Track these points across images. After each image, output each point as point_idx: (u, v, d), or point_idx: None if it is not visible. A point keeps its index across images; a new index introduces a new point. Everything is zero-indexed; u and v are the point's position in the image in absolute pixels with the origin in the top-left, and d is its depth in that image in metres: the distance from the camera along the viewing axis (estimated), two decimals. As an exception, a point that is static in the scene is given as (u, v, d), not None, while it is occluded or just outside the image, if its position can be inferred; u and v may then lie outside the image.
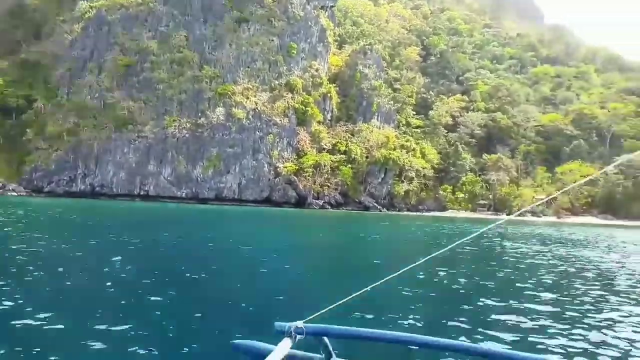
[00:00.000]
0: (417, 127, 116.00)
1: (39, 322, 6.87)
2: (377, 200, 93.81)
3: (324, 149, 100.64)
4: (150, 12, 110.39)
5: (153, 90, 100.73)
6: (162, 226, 31.39)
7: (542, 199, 79.41)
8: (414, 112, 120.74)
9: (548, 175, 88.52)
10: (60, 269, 11.50)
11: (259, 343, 2.21)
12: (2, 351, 5.62)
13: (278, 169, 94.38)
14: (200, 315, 7.90)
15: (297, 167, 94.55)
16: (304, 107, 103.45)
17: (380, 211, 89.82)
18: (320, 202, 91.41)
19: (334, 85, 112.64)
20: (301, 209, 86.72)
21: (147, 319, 7.50)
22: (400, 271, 2.54)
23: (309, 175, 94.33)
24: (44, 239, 17.88)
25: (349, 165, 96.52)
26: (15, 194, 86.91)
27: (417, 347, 2.07)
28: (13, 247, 14.97)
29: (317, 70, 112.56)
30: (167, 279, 11.33)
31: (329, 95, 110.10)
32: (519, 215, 79.69)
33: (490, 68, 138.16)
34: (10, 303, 7.87)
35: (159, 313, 7.84)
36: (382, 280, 2.49)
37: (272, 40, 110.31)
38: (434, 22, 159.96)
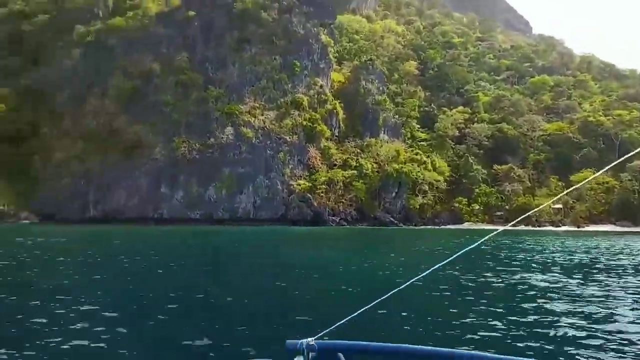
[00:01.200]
0: (424, 140, 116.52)
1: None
2: (392, 215, 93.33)
3: (334, 165, 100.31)
4: (150, 35, 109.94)
5: (159, 113, 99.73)
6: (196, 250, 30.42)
7: (558, 207, 79.84)
8: (419, 126, 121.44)
9: (562, 184, 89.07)
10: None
11: None
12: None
13: (291, 187, 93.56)
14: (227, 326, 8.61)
15: (310, 185, 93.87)
16: (311, 124, 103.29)
17: (397, 226, 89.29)
18: (337, 219, 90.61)
19: (338, 101, 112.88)
20: (317, 226, 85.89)
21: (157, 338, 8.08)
22: (409, 282, 2.48)
23: (322, 192, 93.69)
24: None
25: (361, 181, 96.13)
26: (27, 221, 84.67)
27: None
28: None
29: (321, 87, 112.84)
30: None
31: (334, 111, 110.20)
32: (538, 225, 79.96)
33: (488, 79, 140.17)
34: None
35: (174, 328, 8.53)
36: (389, 294, 2.44)
37: (275, 58, 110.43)
38: (429, 37, 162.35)
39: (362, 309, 2.32)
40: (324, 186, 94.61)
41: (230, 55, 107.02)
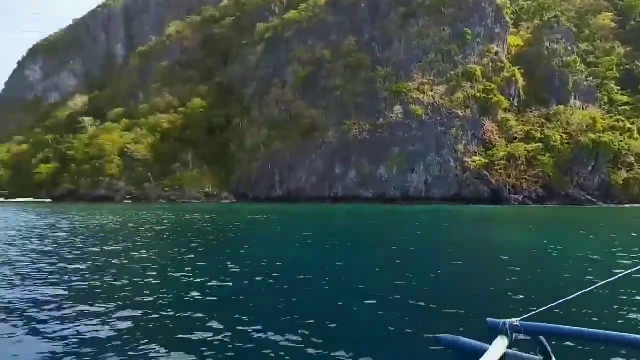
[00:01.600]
0: (625, 104, 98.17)
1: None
2: (588, 192, 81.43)
3: (515, 138, 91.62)
4: (320, 24, 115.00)
5: (331, 96, 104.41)
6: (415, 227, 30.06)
7: None
8: (618, 87, 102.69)
9: None
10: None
11: (467, 339, 2.02)
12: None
13: (466, 164, 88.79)
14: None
15: (487, 161, 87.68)
16: (486, 96, 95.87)
17: (595, 204, 77.62)
18: (520, 197, 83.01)
19: (518, 67, 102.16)
20: (497, 205, 79.97)
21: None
22: (625, 272, 2.27)
23: (501, 169, 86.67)
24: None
25: (548, 155, 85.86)
26: (227, 201, 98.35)
27: None
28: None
29: (496, 53, 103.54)
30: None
31: (513, 79, 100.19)
32: None
33: None
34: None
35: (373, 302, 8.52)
36: (604, 282, 2.21)
37: (444, 29, 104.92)
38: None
39: (574, 295, 2.05)
40: (502, 162, 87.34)
41: (396, 33, 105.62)
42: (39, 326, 6.93)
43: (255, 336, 6.56)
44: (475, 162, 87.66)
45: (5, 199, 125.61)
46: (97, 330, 6.76)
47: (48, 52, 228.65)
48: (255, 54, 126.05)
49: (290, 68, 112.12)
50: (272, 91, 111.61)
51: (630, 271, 2.30)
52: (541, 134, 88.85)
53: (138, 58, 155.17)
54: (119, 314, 7.73)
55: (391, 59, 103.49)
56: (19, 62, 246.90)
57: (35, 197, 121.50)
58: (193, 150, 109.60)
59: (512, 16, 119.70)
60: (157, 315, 7.71)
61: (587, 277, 11.44)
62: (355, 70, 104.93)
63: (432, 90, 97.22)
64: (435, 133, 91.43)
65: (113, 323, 7.18)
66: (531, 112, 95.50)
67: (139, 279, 11.07)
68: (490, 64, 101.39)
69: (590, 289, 2.13)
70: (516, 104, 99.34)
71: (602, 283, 2.24)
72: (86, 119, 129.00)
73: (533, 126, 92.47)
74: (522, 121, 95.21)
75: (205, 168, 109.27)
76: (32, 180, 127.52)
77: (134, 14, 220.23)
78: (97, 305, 8.34)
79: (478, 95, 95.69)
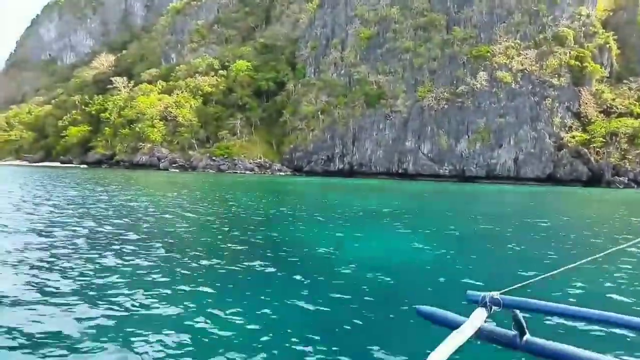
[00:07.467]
0: None
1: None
2: None
3: (612, 112, 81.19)
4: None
5: (399, 60, 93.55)
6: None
7: None
8: None
9: None
10: None
11: (445, 311, 1.97)
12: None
13: (561, 140, 78.69)
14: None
15: (586, 137, 77.53)
16: (579, 63, 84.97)
17: None
18: (624, 179, 73.23)
19: (612, 33, 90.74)
20: (595, 187, 70.49)
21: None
22: (609, 250, 2.25)
23: (601, 147, 76.63)
24: None
25: (656, 132, 75.66)
26: (282, 173, 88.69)
27: (629, 330, 1.78)
28: None
29: (587, 16, 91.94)
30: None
31: (607, 46, 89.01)
32: None
33: None
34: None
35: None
36: (589, 259, 2.13)
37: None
38: None
39: (557, 270, 2.00)
40: (601, 139, 77.24)
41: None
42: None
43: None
44: (574, 138, 77.47)
45: (30, 163, 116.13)
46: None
47: (63, 10, 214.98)
48: (306, 13, 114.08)
49: (351, 28, 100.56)
50: (331, 53, 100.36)
51: (610, 251, 2.23)
52: (644, 109, 78.40)
53: (169, 16, 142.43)
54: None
55: (470, 20, 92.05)
56: (32, 20, 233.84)
57: (63, 162, 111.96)
58: (241, 115, 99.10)
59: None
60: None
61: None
62: (427, 31, 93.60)
63: (519, 55, 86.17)
64: (527, 104, 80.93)
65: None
66: (630, 83, 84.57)
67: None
68: (583, 28, 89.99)
69: (575, 264, 2.00)
70: (607, 74, 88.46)
71: (589, 259, 2.12)
72: (118, 79, 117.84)
73: (629, 100, 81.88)
74: (616, 94, 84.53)
75: (254, 136, 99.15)
76: (59, 144, 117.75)
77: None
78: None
79: (571, 62, 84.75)
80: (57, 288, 6.35)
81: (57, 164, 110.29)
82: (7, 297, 5.82)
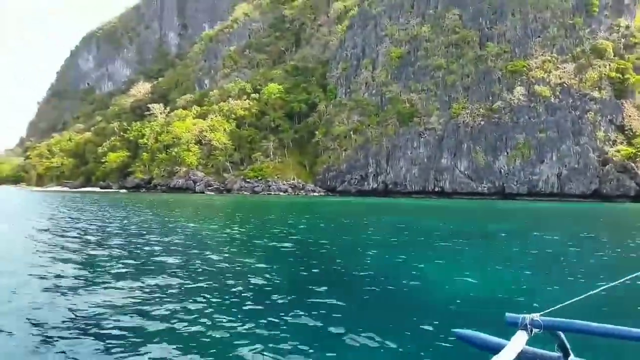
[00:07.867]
0: None
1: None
2: None
3: (659, 125, 77.81)
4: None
5: (431, 78, 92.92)
6: None
7: None
8: None
9: None
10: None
11: (485, 335, 1.97)
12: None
13: (606, 155, 75.72)
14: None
15: (633, 151, 74.36)
16: (621, 75, 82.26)
17: None
18: (678, 195, 69.55)
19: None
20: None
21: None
22: None
23: (649, 161, 73.25)
24: None
25: None
26: (316, 194, 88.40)
27: None
28: None
29: (627, 27, 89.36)
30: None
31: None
32: None
33: None
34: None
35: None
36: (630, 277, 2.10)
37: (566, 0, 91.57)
38: None
39: (597, 290, 1.98)
40: (649, 153, 73.91)
41: (509, 4, 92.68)
42: None
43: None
44: (620, 152, 74.42)
45: (70, 188, 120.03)
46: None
47: (100, 41, 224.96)
48: (336, 34, 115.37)
49: (382, 47, 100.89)
50: (361, 73, 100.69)
51: None
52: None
53: (202, 43, 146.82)
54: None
55: (503, 35, 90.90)
56: (71, 52, 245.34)
57: (102, 187, 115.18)
58: (274, 137, 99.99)
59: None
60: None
61: None
62: (459, 47, 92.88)
63: (556, 69, 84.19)
64: (568, 118, 78.56)
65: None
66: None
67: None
68: (622, 40, 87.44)
69: (615, 283, 1.97)
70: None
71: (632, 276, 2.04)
72: (155, 105, 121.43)
73: (677, 112, 78.46)
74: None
75: (287, 157, 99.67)
76: (99, 169, 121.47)
77: (186, 1, 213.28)
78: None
79: (612, 74, 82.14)
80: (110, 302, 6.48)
81: (97, 189, 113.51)
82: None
